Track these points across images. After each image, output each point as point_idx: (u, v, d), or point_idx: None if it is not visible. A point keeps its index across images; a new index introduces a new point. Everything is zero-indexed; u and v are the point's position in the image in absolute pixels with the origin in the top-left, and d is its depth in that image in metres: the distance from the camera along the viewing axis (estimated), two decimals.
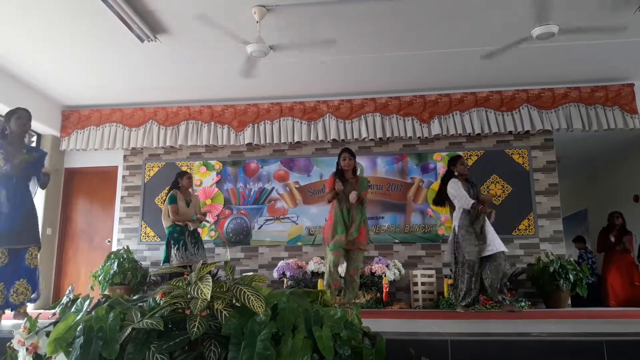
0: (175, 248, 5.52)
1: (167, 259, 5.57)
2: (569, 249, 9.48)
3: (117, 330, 1.72)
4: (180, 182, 5.79)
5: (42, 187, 4.39)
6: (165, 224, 5.73)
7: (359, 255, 4.98)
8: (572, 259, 6.82)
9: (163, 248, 5.74)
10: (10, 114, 4.19)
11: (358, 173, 5.24)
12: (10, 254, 3.98)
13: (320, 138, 7.33)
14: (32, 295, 4.08)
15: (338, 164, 5.14)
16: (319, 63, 6.41)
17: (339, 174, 5.08)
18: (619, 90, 7.05)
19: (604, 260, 7.64)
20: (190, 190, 5.89)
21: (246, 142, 7.44)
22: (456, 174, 5.28)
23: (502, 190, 7.16)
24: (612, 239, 7.29)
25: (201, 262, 2.33)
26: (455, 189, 5.15)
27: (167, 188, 5.91)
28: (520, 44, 5.87)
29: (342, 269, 5.22)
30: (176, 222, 5.60)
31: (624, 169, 9.16)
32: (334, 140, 7.37)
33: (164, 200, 5.84)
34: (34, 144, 7.02)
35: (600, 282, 7.77)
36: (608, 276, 7.29)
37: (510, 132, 7.21)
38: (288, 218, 7.44)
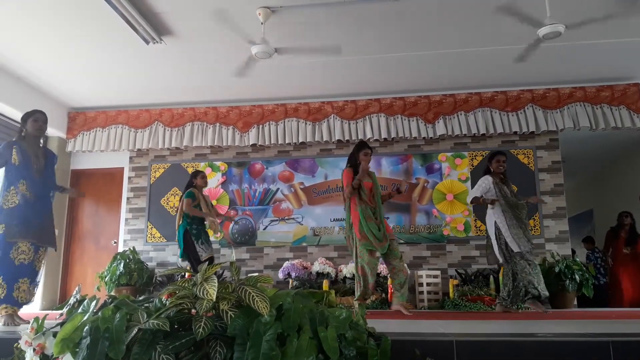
0: (199, 242, 5.66)
1: (186, 255, 5.66)
2: (578, 249, 9.45)
3: (123, 330, 1.74)
4: (194, 181, 5.87)
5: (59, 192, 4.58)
6: (179, 221, 5.77)
7: (395, 246, 4.89)
8: (577, 259, 6.80)
9: (179, 245, 5.78)
10: (27, 116, 4.28)
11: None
12: (34, 250, 4.07)
13: (325, 139, 7.33)
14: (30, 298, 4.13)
15: (356, 158, 4.96)
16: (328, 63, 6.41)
17: (353, 166, 4.98)
18: (624, 90, 7.02)
19: (613, 261, 7.58)
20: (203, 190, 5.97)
21: (251, 143, 7.45)
22: (492, 170, 5.33)
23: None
24: (627, 251, 7.26)
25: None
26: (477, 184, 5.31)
27: (174, 190, 5.95)
28: (525, 45, 5.86)
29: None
30: (187, 212, 5.67)
31: (630, 169, 9.12)
32: (338, 140, 7.38)
33: (180, 200, 5.87)
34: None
35: (610, 284, 7.72)
36: (622, 279, 7.24)
37: (516, 133, 7.19)
38: (293, 219, 7.45)
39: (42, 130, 4.29)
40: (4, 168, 4.12)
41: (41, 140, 4.40)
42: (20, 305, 4.01)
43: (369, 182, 4.99)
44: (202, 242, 5.71)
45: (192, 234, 5.66)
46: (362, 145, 5.04)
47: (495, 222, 5.17)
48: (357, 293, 4.85)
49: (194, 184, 5.86)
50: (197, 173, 5.95)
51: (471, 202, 5.32)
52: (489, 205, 5.22)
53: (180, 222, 5.74)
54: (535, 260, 5.11)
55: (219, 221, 6.07)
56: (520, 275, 4.98)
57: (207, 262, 5.53)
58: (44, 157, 4.28)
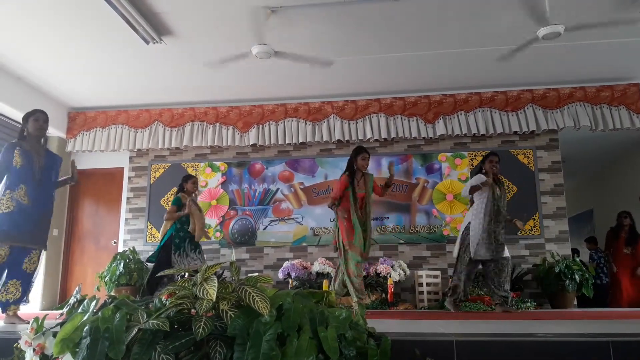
0: (176, 254, 5.49)
1: (156, 258, 5.55)
2: (582, 249, 9.45)
3: (123, 330, 1.73)
4: (185, 186, 5.80)
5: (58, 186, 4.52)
6: (167, 225, 5.72)
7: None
8: (578, 259, 6.80)
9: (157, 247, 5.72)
10: (27, 115, 4.26)
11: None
12: (13, 251, 3.98)
13: (324, 139, 7.33)
14: (23, 299, 4.09)
15: (354, 162, 5.02)
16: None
17: (352, 174, 5.00)
18: (624, 90, 7.02)
19: (613, 261, 7.58)
20: (194, 194, 5.89)
21: (251, 143, 7.45)
22: (483, 171, 5.35)
23: (507, 191, 7.12)
24: (627, 252, 7.25)
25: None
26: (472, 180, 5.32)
27: (173, 190, 5.93)
28: (528, 45, 5.86)
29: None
30: (167, 220, 5.62)
31: (630, 169, 9.12)
32: (338, 141, 7.38)
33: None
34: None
35: (610, 283, 7.72)
36: (622, 279, 7.24)
37: (515, 133, 7.19)
38: (293, 219, 7.45)
39: (43, 129, 4.26)
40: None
41: (42, 141, 4.37)
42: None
43: (362, 192, 4.99)
44: (180, 255, 5.50)
45: (173, 243, 5.54)
46: (359, 149, 5.07)
47: (469, 223, 5.25)
48: (354, 296, 4.86)
49: (184, 188, 5.80)
50: (188, 177, 5.86)
51: (470, 192, 5.22)
52: (473, 203, 5.29)
53: (170, 226, 5.69)
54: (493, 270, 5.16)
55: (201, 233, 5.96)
56: (458, 275, 5.18)
57: (159, 280, 5.36)
58: (45, 157, 4.24)
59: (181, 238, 5.57)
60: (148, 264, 5.72)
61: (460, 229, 5.37)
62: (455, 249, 5.33)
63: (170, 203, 5.84)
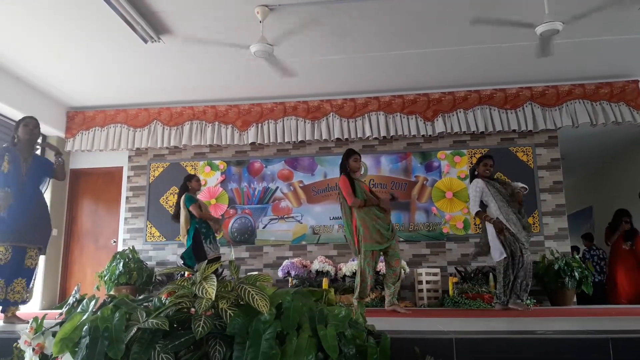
0: (207, 242, 5.70)
1: (194, 255, 5.65)
2: (581, 245, 9.46)
3: (122, 330, 1.73)
4: (189, 185, 5.88)
5: (61, 178, 4.55)
6: (186, 226, 5.78)
7: (396, 246, 4.96)
8: (577, 257, 6.80)
9: (187, 244, 5.76)
10: (18, 122, 4.36)
11: (362, 172, 5.20)
12: (14, 251, 4.03)
13: (324, 137, 7.32)
14: (25, 297, 4.13)
15: (346, 166, 5.03)
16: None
17: (347, 176, 5.01)
18: (623, 87, 7.02)
19: (610, 258, 7.59)
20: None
21: (250, 142, 7.45)
22: (476, 173, 5.35)
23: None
24: (626, 247, 7.23)
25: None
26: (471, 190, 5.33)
27: (173, 189, 5.94)
28: (523, 42, 5.86)
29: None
30: (201, 217, 5.73)
31: (629, 166, 9.12)
32: (337, 139, 7.37)
33: (177, 203, 5.92)
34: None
35: (607, 280, 7.72)
36: (617, 275, 7.24)
37: (514, 130, 7.18)
38: (292, 217, 7.44)
39: (33, 134, 4.32)
40: None
41: (37, 147, 4.45)
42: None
43: (364, 184, 5.05)
44: (210, 242, 5.75)
45: (201, 233, 5.69)
46: (350, 152, 5.09)
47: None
48: (356, 292, 4.88)
49: (188, 187, 5.87)
50: (191, 177, 5.98)
51: (475, 216, 5.35)
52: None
53: (189, 225, 5.75)
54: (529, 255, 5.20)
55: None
56: (522, 270, 5.14)
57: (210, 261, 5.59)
58: (33, 162, 4.29)
59: (206, 228, 5.78)
60: (181, 261, 5.81)
61: (488, 230, 5.28)
62: (493, 250, 5.26)
63: (172, 204, 5.89)
